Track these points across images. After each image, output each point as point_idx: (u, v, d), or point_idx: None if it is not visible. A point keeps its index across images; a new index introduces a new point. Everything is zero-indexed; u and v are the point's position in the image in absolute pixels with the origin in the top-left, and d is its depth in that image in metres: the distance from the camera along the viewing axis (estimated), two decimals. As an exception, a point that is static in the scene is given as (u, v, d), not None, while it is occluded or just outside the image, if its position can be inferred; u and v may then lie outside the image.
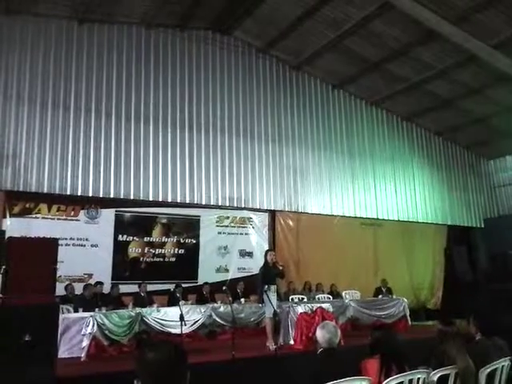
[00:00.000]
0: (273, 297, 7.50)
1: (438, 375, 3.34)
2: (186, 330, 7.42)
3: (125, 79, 10.08)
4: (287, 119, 12.03)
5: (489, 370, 3.48)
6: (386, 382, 3.13)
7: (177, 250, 10.44)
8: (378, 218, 12.98)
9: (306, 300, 8.86)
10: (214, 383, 5.55)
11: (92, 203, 9.61)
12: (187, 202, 10.39)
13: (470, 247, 14.58)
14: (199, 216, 10.78)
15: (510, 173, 14.87)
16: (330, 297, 9.77)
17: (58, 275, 5.55)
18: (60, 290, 7.25)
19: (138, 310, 7.67)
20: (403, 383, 3.15)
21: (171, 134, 10.41)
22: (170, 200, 10.20)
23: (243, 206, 11.07)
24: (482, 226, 15.04)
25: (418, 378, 3.21)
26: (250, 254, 11.14)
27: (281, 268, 7.89)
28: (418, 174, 14.17)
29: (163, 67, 10.57)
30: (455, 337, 3.68)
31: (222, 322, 8.39)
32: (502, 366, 3.54)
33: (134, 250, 10.00)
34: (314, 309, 7.78)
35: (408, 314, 10.20)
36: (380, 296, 10.45)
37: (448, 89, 12.29)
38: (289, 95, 12.23)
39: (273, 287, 7.58)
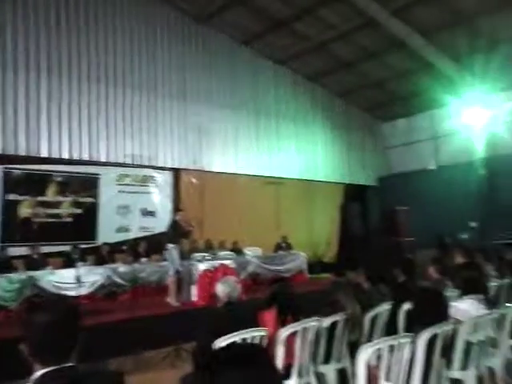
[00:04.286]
0: (176, 255, 7.56)
1: (329, 322, 3.55)
2: (83, 291, 7.19)
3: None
4: (192, 75, 11.69)
5: (372, 314, 3.78)
6: (281, 331, 3.27)
7: (74, 209, 9.90)
8: (280, 177, 13.31)
9: (208, 257, 8.93)
10: (114, 342, 5.48)
11: (-24, 159, 8.73)
12: (85, 159, 9.86)
13: (365, 204, 15.59)
14: (98, 174, 10.26)
15: (401, 134, 15.94)
16: (233, 254, 9.94)
17: None
18: None
19: (29, 273, 7.23)
20: (298, 331, 3.30)
21: (67, 85, 9.70)
22: (66, 157, 9.61)
23: (145, 163, 10.73)
24: (376, 184, 16.11)
25: (311, 326, 3.39)
26: (152, 214, 10.90)
27: (190, 228, 7.93)
28: (320, 133, 14.65)
29: (56, 13, 9.64)
30: (345, 286, 3.93)
31: (122, 282, 8.22)
32: (384, 310, 3.87)
33: (25, 210, 9.30)
34: (216, 265, 7.90)
35: (306, 267, 10.77)
36: (280, 251, 10.88)
37: (349, 51, 12.66)
38: (194, 50, 11.85)
39: (177, 246, 7.61)
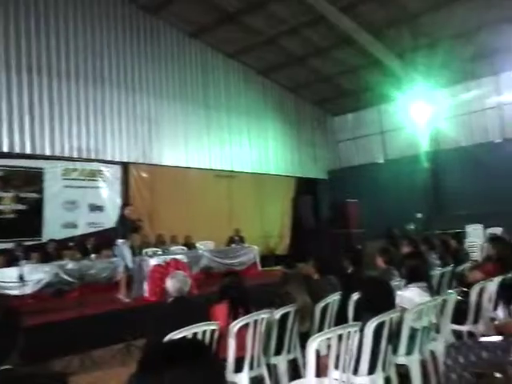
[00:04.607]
0: (127, 251, 7.39)
1: (280, 313, 3.59)
2: (27, 290, 6.91)
3: None
4: (141, 66, 11.43)
5: (323, 305, 3.85)
6: (233, 324, 3.26)
7: (16, 205, 9.45)
8: (232, 171, 13.29)
9: (160, 252, 8.81)
10: (61, 342, 5.31)
11: None
12: (27, 152, 9.43)
13: (317, 197, 15.85)
14: (42, 168, 9.84)
15: (350, 129, 16.31)
16: (185, 248, 9.85)
17: None
18: None
19: (-32, 272, 6.87)
20: (249, 324, 3.31)
21: (5, 75, 9.20)
22: (5, 150, 9.15)
23: (93, 157, 10.39)
24: (326, 177, 16.41)
25: (262, 318, 3.40)
26: (100, 209, 10.58)
27: (139, 223, 7.78)
28: (271, 127, 14.73)
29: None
30: (296, 278, 3.97)
31: (70, 280, 7.95)
32: (334, 301, 3.95)
33: (-38, 207, 8.81)
34: (168, 260, 7.80)
35: (258, 260, 10.83)
36: (233, 245, 10.88)
37: (300, 46, 12.77)
38: (143, 41, 11.57)
39: (127, 241, 7.44)
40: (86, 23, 10.49)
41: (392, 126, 14.93)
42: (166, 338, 2.83)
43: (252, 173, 13.87)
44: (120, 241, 7.46)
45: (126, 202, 9.95)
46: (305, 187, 15.51)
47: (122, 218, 7.59)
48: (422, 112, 13.36)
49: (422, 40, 11.52)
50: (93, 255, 8.88)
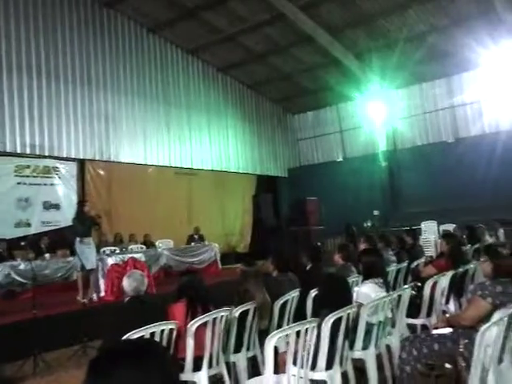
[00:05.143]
0: (88, 249, 7.14)
1: (239, 311, 3.58)
2: (-24, 292, 6.60)
3: None
4: (97, 61, 11.13)
5: (282, 302, 3.88)
6: (191, 323, 3.23)
7: (-37, 203, 9.03)
8: (192, 168, 13.18)
9: (118, 251, 8.63)
10: (13, 345, 5.12)
11: None
12: (-25, 148, 9.04)
13: (277, 195, 15.95)
14: (-8, 164, 9.44)
15: (310, 127, 16.50)
16: (144, 247, 9.70)
17: None
18: None
19: None
20: (208, 322, 3.28)
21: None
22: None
23: (47, 153, 10.05)
24: (286, 175, 16.54)
25: (222, 316, 3.39)
26: (56, 207, 10.26)
27: (99, 220, 7.56)
28: (232, 125, 14.70)
29: None
30: (255, 275, 3.98)
31: (22, 281, 7.67)
32: (293, 297, 3.98)
33: None
34: (126, 259, 7.66)
35: (219, 258, 10.80)
36: (193, 243, 10.80)
37: (260, 44, 12.80)
38: (99, 34, 11.27)
39: (87, 239, 7.18)
40: (37, 14, 10.10)
41: (351, 125, 15.21)
42: (123, 338, 2.77)
43: (212, 170, 13.80)
44: (78, 239, 7.21)
45: (82, 198, 9.69)
46: (265, 185, 15.59)
47: (81, 215, 7.33)
48: (379, 112, 13.68)
49: (378, 41, 11.80)
50: (47, 255, 8.59)
